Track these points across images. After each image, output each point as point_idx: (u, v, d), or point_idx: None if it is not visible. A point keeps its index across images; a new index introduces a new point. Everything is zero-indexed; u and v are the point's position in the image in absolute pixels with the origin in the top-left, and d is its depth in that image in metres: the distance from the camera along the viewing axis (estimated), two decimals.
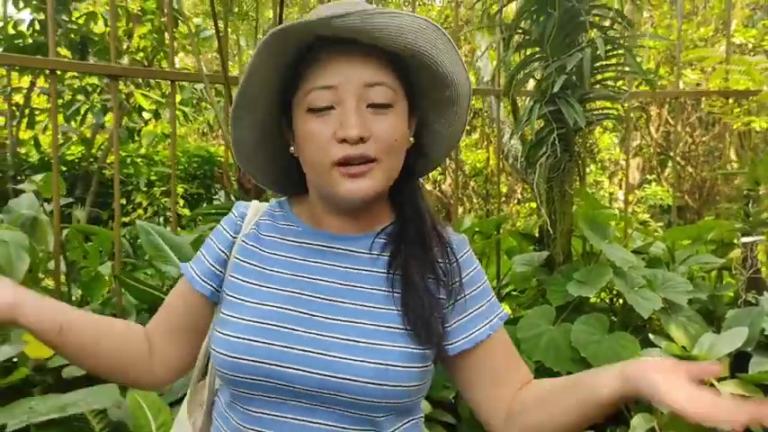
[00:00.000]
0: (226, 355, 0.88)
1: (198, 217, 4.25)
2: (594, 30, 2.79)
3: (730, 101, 3.41)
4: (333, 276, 0.93)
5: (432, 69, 0.89)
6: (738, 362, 2.84)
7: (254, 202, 1.03)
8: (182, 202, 4.73)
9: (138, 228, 2.56)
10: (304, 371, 0.86)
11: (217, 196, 5.32)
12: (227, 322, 0.90)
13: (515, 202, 9.06)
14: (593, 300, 3.16)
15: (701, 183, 9.02)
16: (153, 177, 4.72)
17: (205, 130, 8.64)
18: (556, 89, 2.57)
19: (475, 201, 9.17)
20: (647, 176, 8.82)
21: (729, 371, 2.77)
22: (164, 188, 4.68)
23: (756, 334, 2.82)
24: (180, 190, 4.72)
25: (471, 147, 9.23)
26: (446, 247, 0.96)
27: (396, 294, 0.91)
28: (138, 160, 4.74)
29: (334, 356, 0.86)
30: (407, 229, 0.95)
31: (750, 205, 2.96)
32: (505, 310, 3.24)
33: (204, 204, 5.24)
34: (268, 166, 1.02)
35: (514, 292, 3.70)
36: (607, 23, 2.83)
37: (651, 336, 2.88)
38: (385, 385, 0.85)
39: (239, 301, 0.92)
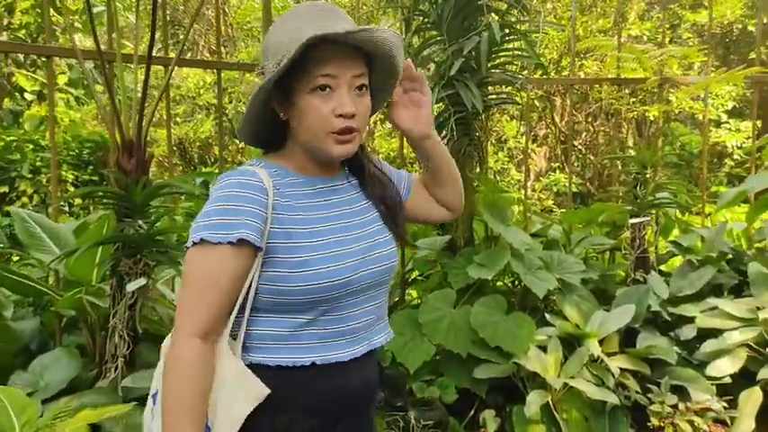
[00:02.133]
0: (333, 280, 1.17)
1: (90, 205, 4.03)
2: (492, 14, 2.80)
3: (625, 89, 3.54)
4: (345, 205, 1.29)
5: (391, 67, 1.26)
6: (628, 337, 2.97)
7: (254, 168, 1.21)
8: (72, 189, 4.45)
9: (12, 215, 2.37)
10: (375, 267, 1.25)
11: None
12: (318, 259, 1.17)
13: None
14: (495, 282, 3.20)
15: (601, 170, 9.40)
16: (39, 163, 4.42)
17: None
18: (453, 72, 2.57)
19: None
20: (552, 164, 9.11)
21: (619, 346, 2.89)
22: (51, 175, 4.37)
23: (643, 311, 2.95)
24: (70, 177, 4.44)
25: (386, 135, 9.23)
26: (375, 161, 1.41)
27: (372, 202, 1.33)
28: (24, 145, 4.42)
29: (382, 251, 1.27)
30: (360, 164, 1.35)
31: (638, 188, 3.08)
32: (413, 295, 3.21)
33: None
34: (254, 131, 1.27)
35: (420, 278, 3.71)
36: (504, 8, 2.86)
37: (547, 315, 2.95)
38: (394, 261, 1.31)
39: (316, 243, 1.19)
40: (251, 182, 1.17)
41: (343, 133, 1.19)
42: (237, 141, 7.57)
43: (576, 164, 9.65)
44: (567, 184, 8.61)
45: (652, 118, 7.72)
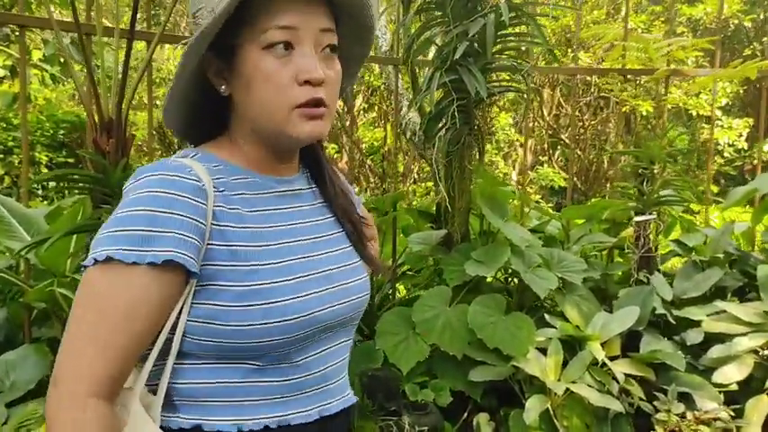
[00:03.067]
0: (297, 317, 0.88)
1: (65, 189, 3.81)
2: None
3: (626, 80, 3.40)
4: (307, 217, 0.99)
5: (363, 23, 0.97)
6: (630, 340, 2.84)
7: (187, 161, 0.89)
8: (46, 171, 4.21)
9: None
10: (338, 303, 0.95)
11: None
12: (277, 288, 0.88)
13: (411, 181, 8.99)
14: (488, 279, 3.06)
15: (588, 165, 9.31)
16: (11, 143, 4.16)
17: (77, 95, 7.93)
18: (457, 56, 2.41)
19: (371, 180, 9.01)
20: (540, 158, 9.00)
21: (621, 350, 2.76)
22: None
23: (647, 313, 2.82)
24: (44, 158, 4.20)
25: (369, 125, 9.05)
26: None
27: (336, 218, 1.04)
28: None
29: (348, 282, 0.99)
30: (321, 163, 1.05)
31: (644, 184, 2.95)
32: (401, 290, 3.06)
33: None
34: (185, 113, 0.97)
35: (410, 272, 3.56)
36: None
37: (546, 316, 2.82)
38: (366, 294, 1.03)
39: (274, 265, 0.89)
40: (183, 179, 0.84)
41: (313, 106, 0.88)
42: None
43: (560, 158, 9.56)
44: (553, 179, 8.55)
45: (644, 112, 7.65)
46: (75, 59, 3.63)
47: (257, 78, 0.87)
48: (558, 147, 9.52)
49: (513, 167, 9.37)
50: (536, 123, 9.07)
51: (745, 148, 7.76)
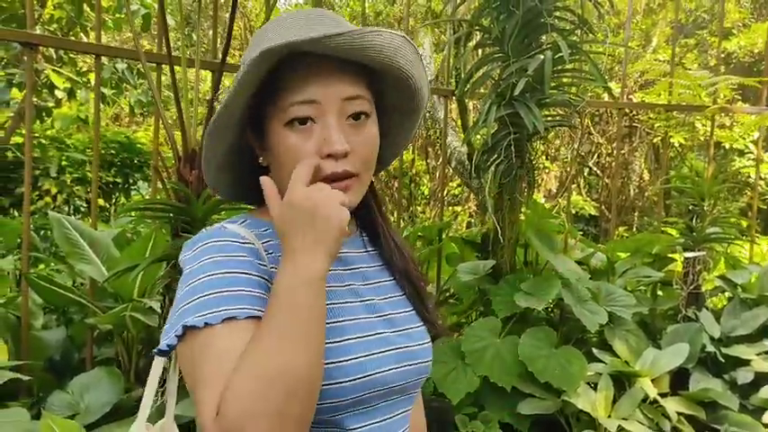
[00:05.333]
0: (352, 379, 0.85)
1: (111, 210, 3.89)
2: (554, 32, 2.69)
3: (675, 114, 3.42)
4: (365, 279, 0.97)
5: (403, 82, 0.93)
6: (678, 378, 2.83)
7: (235, 228, 0.89)
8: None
9: (51, 219, 2.23)
10: (400, 366, 0.91)
11: (135, 186, 4.89)
12: (332, 349, 0.84)
13: (439, 205, 9.01)
14: (538, 312, 3.07)
15: (615, 193, 9.26)
16: (64, 163, 4.26)
17: (120, 115, 8.06)
18: (517, 91, 2.45)
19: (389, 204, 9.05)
20: (570, 186, 8.98)
21: (670, 387, 2.76)
22: (76, 175, 4.23)
23: (696, 351, 2.82)
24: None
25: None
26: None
27: (396, 280, 1.01)
28: (47, 143, 4.27)
29: (410, 346, 0.94)
30: (377, 225, 1.03)
31: (694, 221, 2.95)
32: (446, 316, 3.05)
33: (119, 195, 4.81)
34: (231, 177, 0.98)
35: (451, 300, 3.58)
36: (567, 27, 2.74)
37: (595, 350, 2.82)
38: (429, 360, 0.98)
39: (329, 325, 0.85)
40: (235, 243, 0.85)
41: (334, 180, 0.85)
42: None
43: (585, 186, 9.55)
44: (583, 207, 8.53)
45: (676, 144, 7.64)
46: (128, 82, 3.72)
47: (282, 154, 0.86)
48: (583, 175, 9.50)
49: (542, 195, 9.35)
50: (563, 151, 9.08)
51: None
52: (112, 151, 4.53)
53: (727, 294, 3.37)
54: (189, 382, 0.77)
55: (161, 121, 2.03)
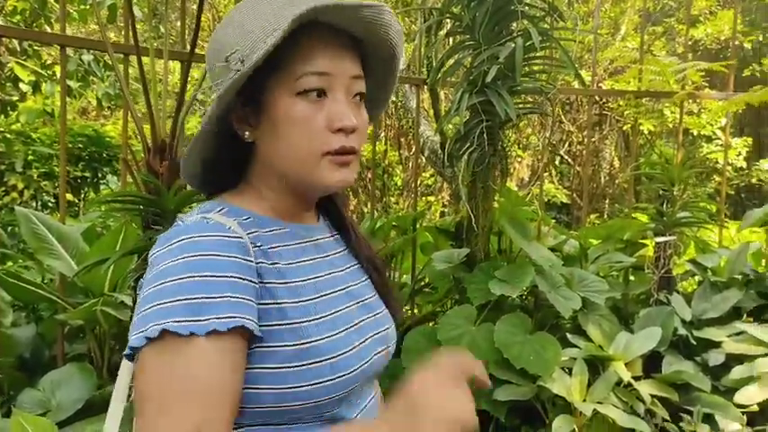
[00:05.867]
0: (345, 373, 0.83)
1: (80, 205, 3.82)
2: (525, 20, 2.69)
3: (644, 101, 3.45)
4: (336, 266, 0.96)
5: (390, 68, 0.95)
6: (651, 361, 2.88)
7: (221, 218, 0.83)
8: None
9: (17, 215, 2.18)
10: (377, 354, 0.92)
11: (104, 181, 4.80)
12: (326, 344, 0.83)
13: (412, 195, 9.01)
14: (513, 299, 3.09)
15: (586, 181, 9.36)
16: (31, 158, 4.17)
17: (87, 108, 7.91)
18: (489, 79, 2.45)
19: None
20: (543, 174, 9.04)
21: (643, 370, 2.80)
22: (43, 170, 4.14)
23: (669, 334, 2.86)
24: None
25: (369, 137, 9.08)
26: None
27: (361, 265, 1.01)
28: (12, 137, 4.17)
29: (384, 330, 0.96)
30: (343, 211, 1.04)
31: (664, 206, 2.99)
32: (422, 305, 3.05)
33: (87, 190, 4.72)
34: (203, 162, 0.92)
35: (426, 289, 3.59)
36: (537, 14, 2.74)
37: (569, 335, 2.85)
38: (395, 343, 1.00)
39: (319, 320, 0.85)
40: (225, 238, 0.78)
41: (343, 154, 0.85)
42: None
43: (557, 175, 9.64)
44: (556, 195, 8.61)
45: (646, 131, 7.74)
46: (97, 76, 3.65)
47: (288, 124, 0.83)
48: (555, 164, 9.59)
49: (514, 183, 9.41)
50: (534, 139, 9.15)
51: (744, 166, 7.86)
52: (80, 145, 4.44)
53: (697, 278, 3.42)
54: (141, 397, 0.69)
55: (130, 114, 1.99)
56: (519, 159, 9.35)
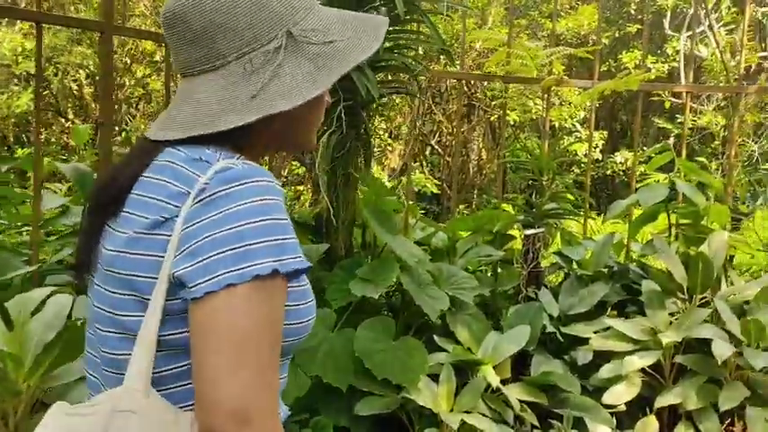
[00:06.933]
0: (308, 320, 0.90)
1: None
2: None
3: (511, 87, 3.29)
4: None
5: None
6: (520, 360, 2.72)
7: (255, 165, 0.85)
8: None
9: None
10: None
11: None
12: (308, 288, 0.90)
13: (280, 184, 8.59)
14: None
15: (456, 172, 9.42)
16: None
17: None
18: None
19: None
20: (412, 164, 8.97)
21: (512, 372, 2.62)
22: None
23: (537, 332, 2.71)
24: None
25: None
26: None
27: None
28: None
29: None
30: None
31: (533, 196, 2.83)
32: None
33: None
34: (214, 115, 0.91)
35: None
36: None
37: (437, 338, 2.62)
38: None
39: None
40: (276, 184, 0.83)
41: None
42: (63, 120, 6.55)
43: (428, 165, 9.61)
44: (425, 185, 8.54)
45: (512, 122, 7.83)
46: None
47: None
48: (425, 154, 9.57)
49: (385, 171, 9.25)
50: (406, 129, 9.03)
51: (600, 158, 8.18)
52: None
53: (564, 271, 3.32)
54: (215, 346, 0.72)
55: None
56: (390, 149, 9.22)
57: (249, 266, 0.73)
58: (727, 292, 2.84)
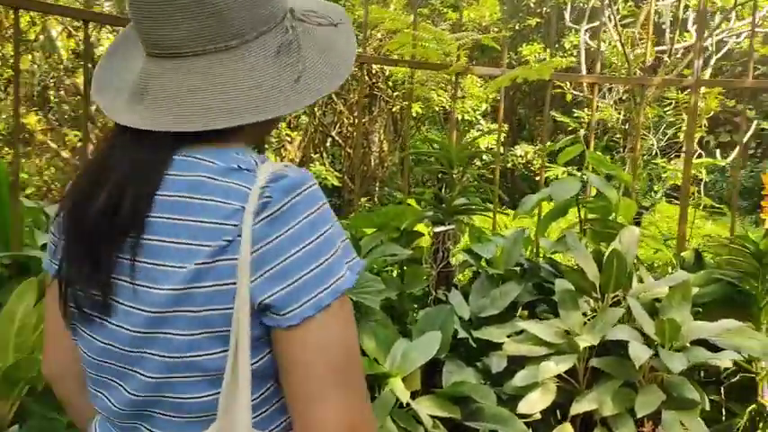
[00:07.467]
0: None
1: None
2: None
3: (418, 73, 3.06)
4: None
5: None
6: (431, 370, 2.50)
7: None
8: None
9: None
10: None
11: None
12: None
13: None
14: None
15: (358, 164, 9.19)
16: None
17: None
18: None
19: None
20: (312, 155, 8.65)
21: (422, 383, 2.40)
22: None
23: (449, 337, 2.49)
24: None
25: None
26: None
27: None
28: None
29: None
30: None
31: (442, 190, 2.61)
32: None
33: None
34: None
35: None
36: None
37: None
38: None
39: None
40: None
41: None
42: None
43: (329, 157, 9.33)
44: (327, 177, 8.23)
45: (415, 114, 7.68)
46: None
47: None
48: (325, 146, 9.28)
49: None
50: (303, 118, 8.69)
51: (502, 151, 8.19)
52: None
53: (472, 270, 3.14)
54: (349, 350, 0.75)
55: None
56: (290, 140, 8.86)
57: (335, 281, 0.74)
58: (638, 290, 2.75)
